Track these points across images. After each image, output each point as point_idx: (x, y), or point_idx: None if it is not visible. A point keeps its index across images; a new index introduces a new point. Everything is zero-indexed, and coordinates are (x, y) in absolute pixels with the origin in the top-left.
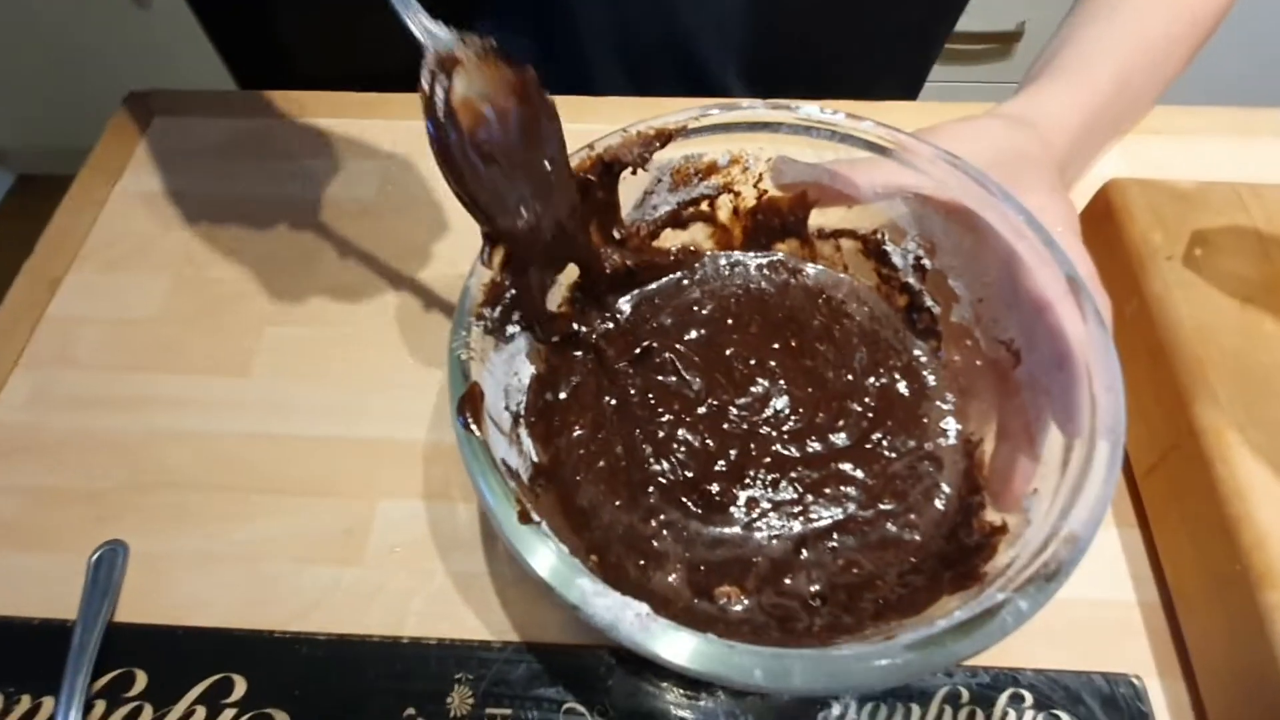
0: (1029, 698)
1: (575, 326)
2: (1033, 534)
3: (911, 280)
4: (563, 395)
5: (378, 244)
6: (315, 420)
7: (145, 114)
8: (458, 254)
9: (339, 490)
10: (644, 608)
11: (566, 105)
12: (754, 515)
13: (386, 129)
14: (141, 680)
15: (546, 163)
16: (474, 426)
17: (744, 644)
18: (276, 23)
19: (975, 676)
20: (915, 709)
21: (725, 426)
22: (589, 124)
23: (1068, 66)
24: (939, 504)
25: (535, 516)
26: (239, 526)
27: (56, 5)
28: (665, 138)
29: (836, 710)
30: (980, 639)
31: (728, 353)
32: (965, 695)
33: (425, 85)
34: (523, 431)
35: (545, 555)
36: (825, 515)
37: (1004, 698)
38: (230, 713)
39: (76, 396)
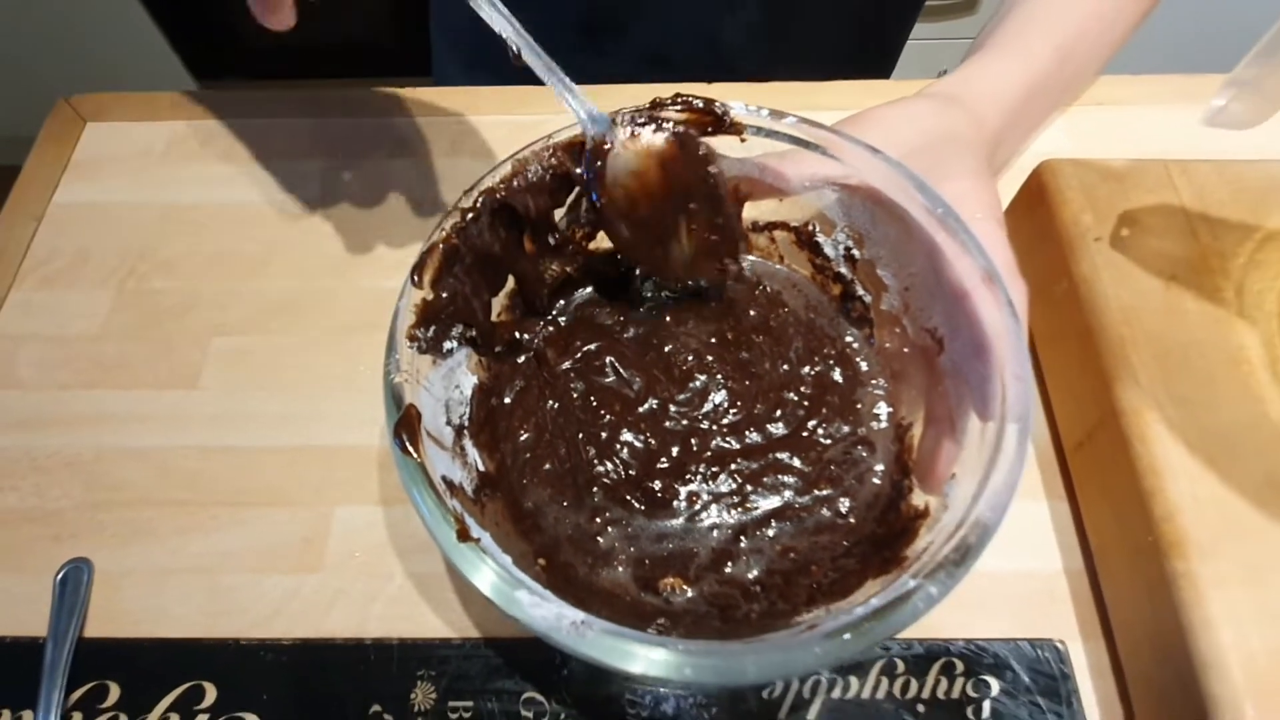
0: (960, 666)
1: (516, 334)
2: (949, 518)
3: (843, 270)
4: (506, 401)
5: (323, 247)
6: (268, 430)
7: (77, 121)
8: (405, 258)
9: (295, 499)
10: (580, 615)
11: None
12: (695, 508)
13: (327, 127)
14: (115, 692)
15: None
16: (411, 449)
17: (673, 642)
18: (229, 16)
19: (909, 649)
20: (854, 680)
21: (666, 424)
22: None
23: (1006, 39)
24: (872, 486)
25: (475, 533)
26: (198, 539)
27: None
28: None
29: (780, 687)
30: (894, 624)
31: (666, 349)
32: (900, 666)
33: (584, 167)
34: (467, 443)
35: (485, 572)
36: (763, 504)
37: (936, 667)
38: (203, 718)
39: (24, 418)
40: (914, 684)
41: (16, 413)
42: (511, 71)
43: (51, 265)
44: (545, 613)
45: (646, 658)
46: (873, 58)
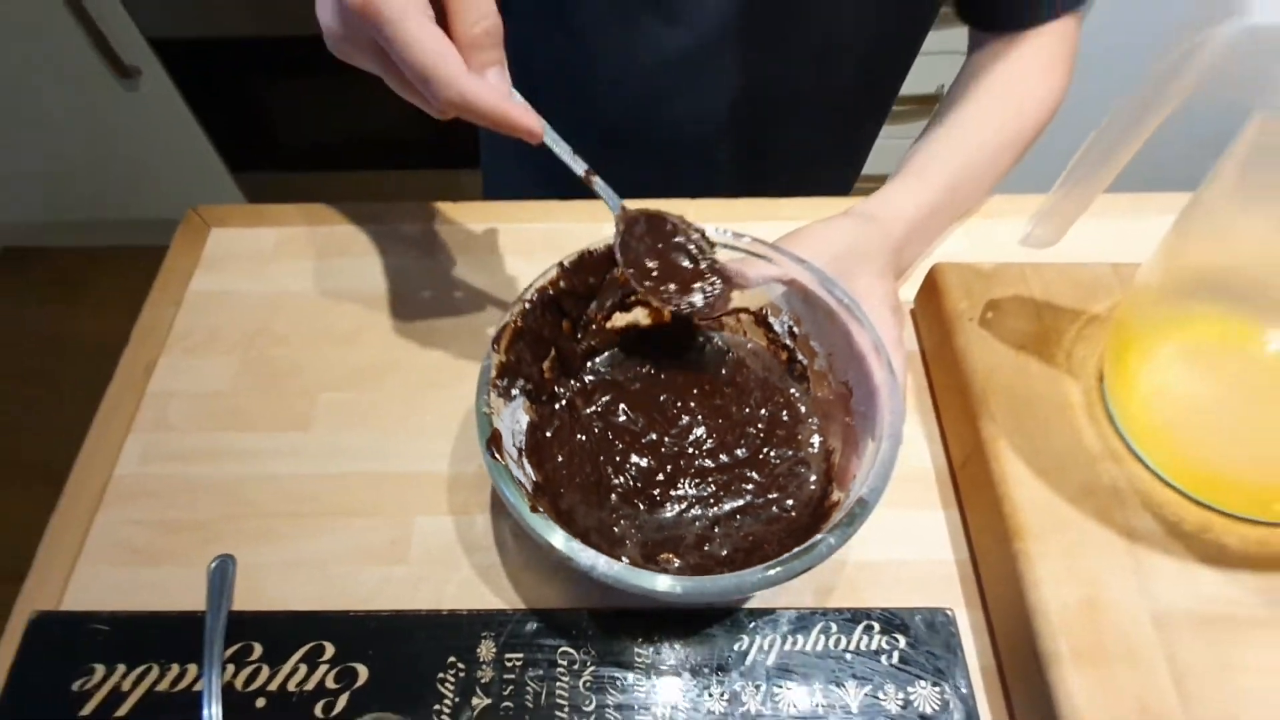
0: (877, 626)
1: (556, 388)
2: (847, 502)
3: (788, 342)
4: (549, 434)
5: (399, 326)
6: (362, 461)
7: (204, 227)
8: (463, 333)
9: (385, 511)
10: (610, 558)
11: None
12: (683, 508)
13: (395, 231)
14: (258, 650)
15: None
16: (498, 456)
17: (667, 574)
18: (259, 97)
19: (841, 614)
20: (800, 638)
21: (661, 450)
22: (562, 223)
23: (910, 171)
24: (808, 490)
25: (540, 509)
26: (312, 541)
27: (40, 80)
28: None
29: (747, 641)
30: (809, 560)
31: (661, 398)
32: (834, 628)
33: (616, 236)
34: (525, 461)
35: (549, 530)
36: (731, 504)
37: (859, 628)
38: (324, 668)
39: (177, 453)
40: (844, 639)
41: (171, 449)
42: (553, 170)
43: (190, 339)
44: (590, 556)
45: (652, 582)
46: (844, 157)
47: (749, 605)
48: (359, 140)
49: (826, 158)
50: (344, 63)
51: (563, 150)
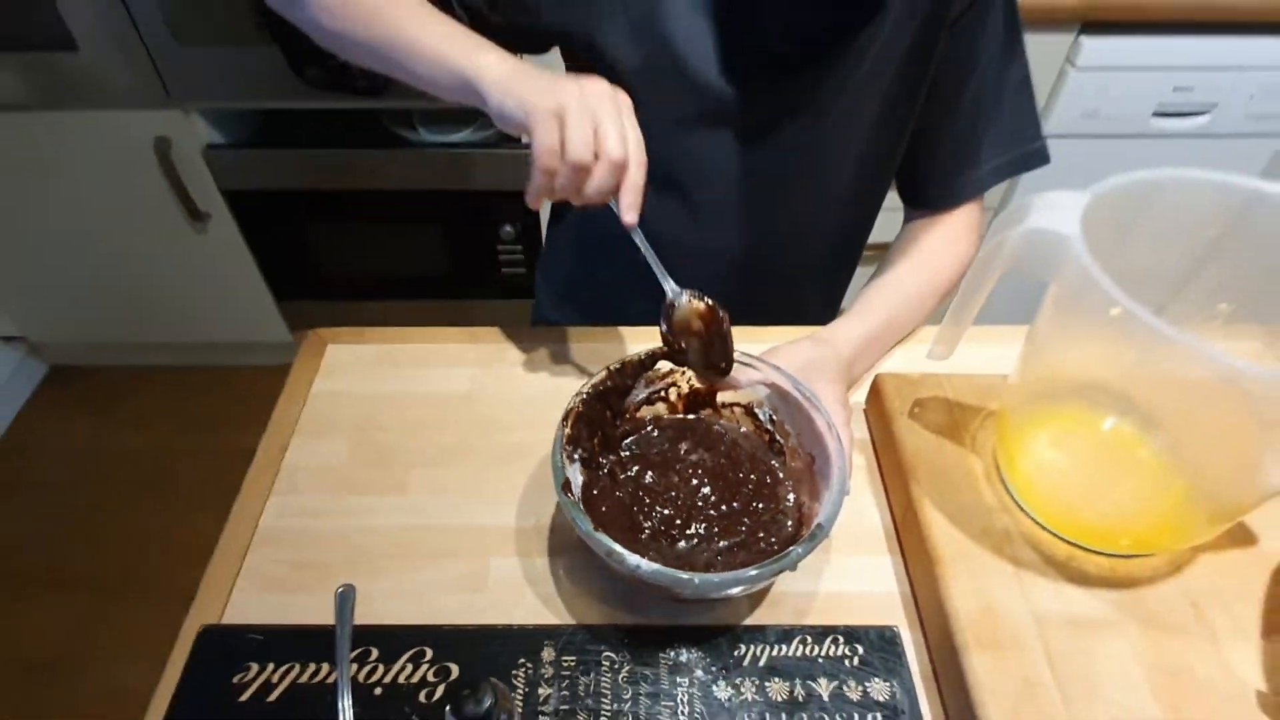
0: (841, 639)
1: (600, 459)
2: (808, 530)
3: (769, 426)
4: (595, 492)
5: (472, 421)
6: (447, 518)
7: (321, 343)
8: (520, 424)
9: (466, 554)
10: (648, 560)
11: (597, 331)
12: (694, 543)
13: (465, 349)
14: (375, 653)
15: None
16: (569, 495)
17: (685, 572)
18: (307, 237)
19: (814, 630)
20: (784, 647)
21: (678, 504)
22: (594, 344)
23: (858, 309)
24: (786, 531)
25: (599, 529)
26: (412, 575)
27: (117, 217)
28: (649, 361)
29: (744, 649)
30: (785, 564)
31: (678, 467)
32: (809, 639)
33: (663, 319)
34: (581, 508)
35: (603, 541)
36: (729, 541)
37: (828, 639)
38: (425, 666)
39: (305, 511)
40: (816, 648)
41: (302, 508)
42: (590, 307)
43: (314, 425)
44: (635, 557)
45: (676, 576)
46: (827, 305)
47: (745, 622)
48: (386, 275)
49: (815, 311)
50: (378, 210)
51: (646, 249)
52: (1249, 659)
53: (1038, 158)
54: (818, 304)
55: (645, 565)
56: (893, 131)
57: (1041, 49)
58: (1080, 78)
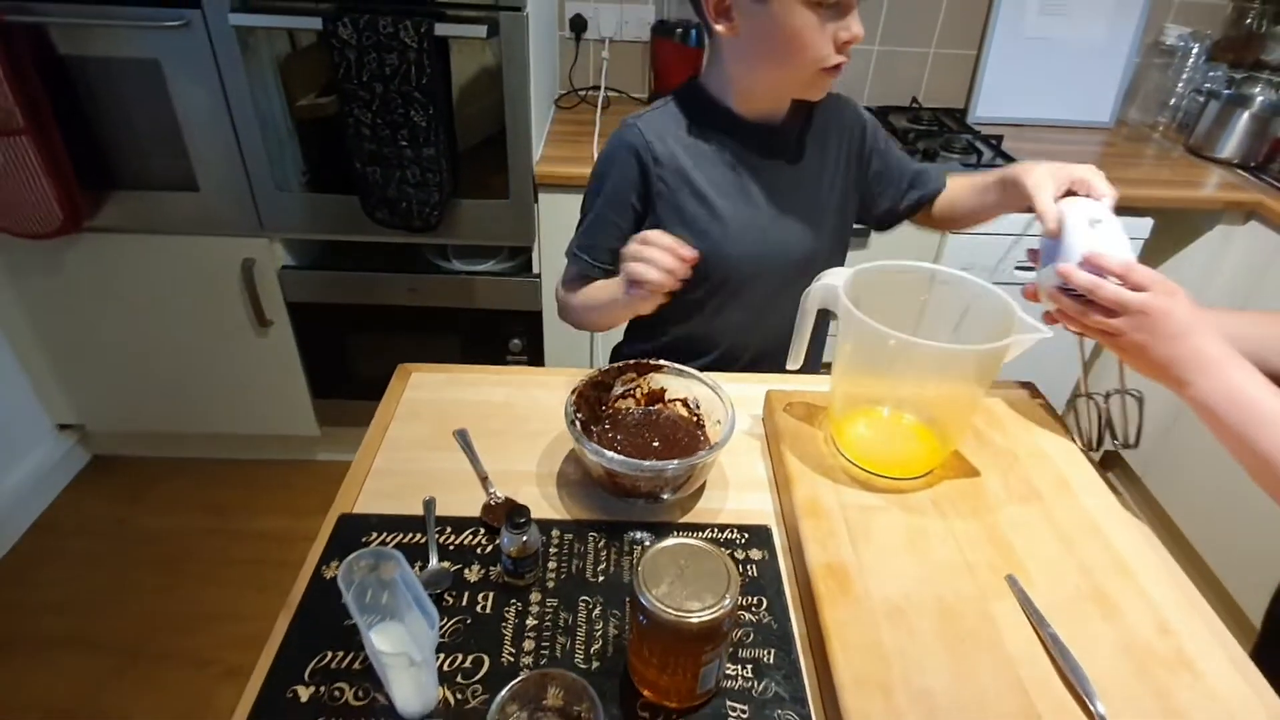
0: (735, 529)
1: (591, 428)
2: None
3: (696, 411)
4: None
5: (508, 416)
6: (494, 465)
7: (405, 373)
8: (536, 418)
9: (502, 484)
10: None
11: (585, 370)
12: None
13: (502, 376)
14: (449, 529)
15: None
16: (575, 423)
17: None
18: (349, 342)
19: (719, 525)
20: (701, 532)
21: (638, 449)
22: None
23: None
24: (697, 443)
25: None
26: (470, 493)
27: (194, 321)
28: (623, 369)
29: (677, 534)
30: (697, 459)
31: (638, 430)
32: (717, 529)
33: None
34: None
35: (594, 445)
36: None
37: (728, 529)
38: (481, 537)
39: (402, 459)
40: (721, 534)
41: (399, 459)
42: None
43: (406, 415)
44: (609, 452)
45: (634, 462)
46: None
47: (679, 521)
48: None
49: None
50: (411, 322)
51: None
52: (964, 527)
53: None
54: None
55: (613, 455)
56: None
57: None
58: (955, 240)
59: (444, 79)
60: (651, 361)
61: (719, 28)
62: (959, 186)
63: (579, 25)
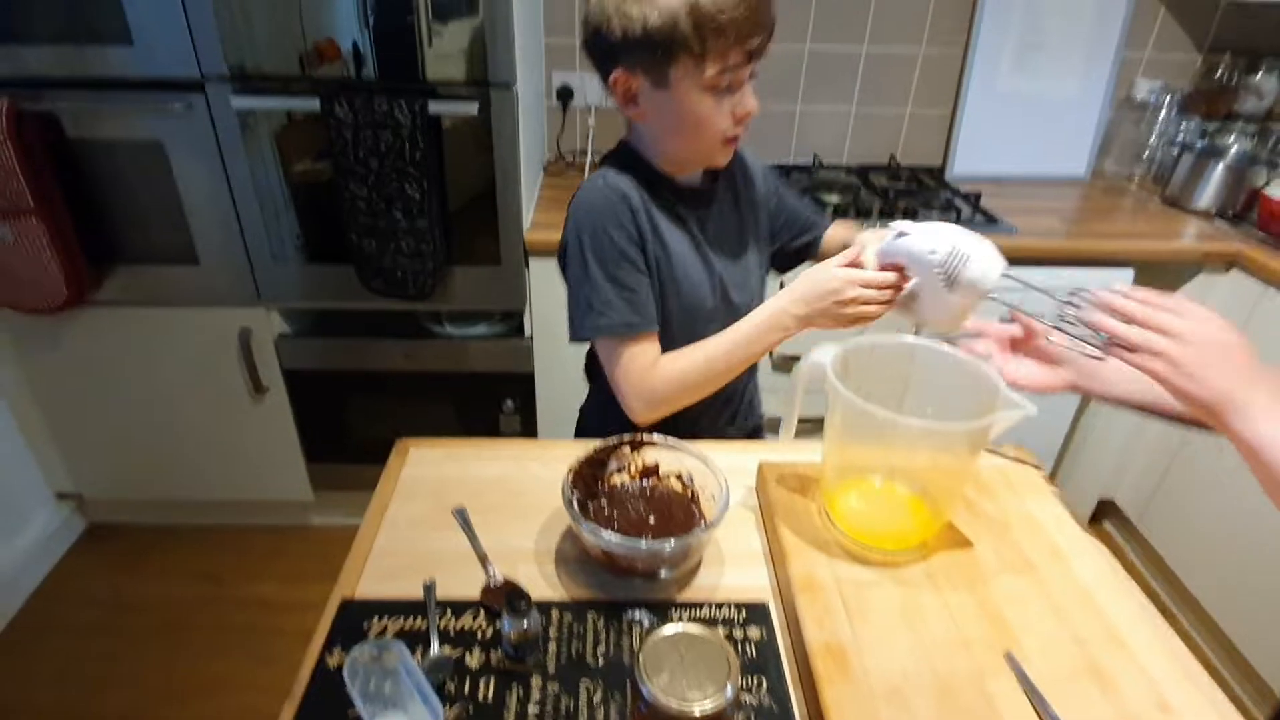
0: (733, 606)
1: (588, 505)
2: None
3: (690, 486)
4: (589, 516)
5: (505, 491)
6: (492, 541)
7: (405, 448)
8: (532, 492)
9: (501, 562)
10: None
11: (575, 443)
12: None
13: (497, 451)
14: (448, 611)
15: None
16: (572, 505)
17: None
18: (344, 406)
19: (716, 603)
20: (698, 609)
21: (634, 525)
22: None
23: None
24: (694, 520)
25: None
26: (470, 574)
27: (189, 389)
28: (615, 446)
29: (675, 611)
30: (697, 535)
31: (633, 506)
32: (715, 606)
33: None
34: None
35: (591, 525)
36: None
37: (725, 606)
38: (481, 619)
39: (401, 539)
40: (718, 611)
41: (398, 538)
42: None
43: (405, 493)
44: (607, 531)
45: (632, 541)
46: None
47: (676, 598)
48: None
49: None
50: (405, 386)
51: None
52: (959, 601)
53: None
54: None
55: (612, 535)
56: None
57: None
58: None
59: (437, 153)
60: (644, 437)
61: (629, 113)
62: (835, 228)
63: (566, 94)
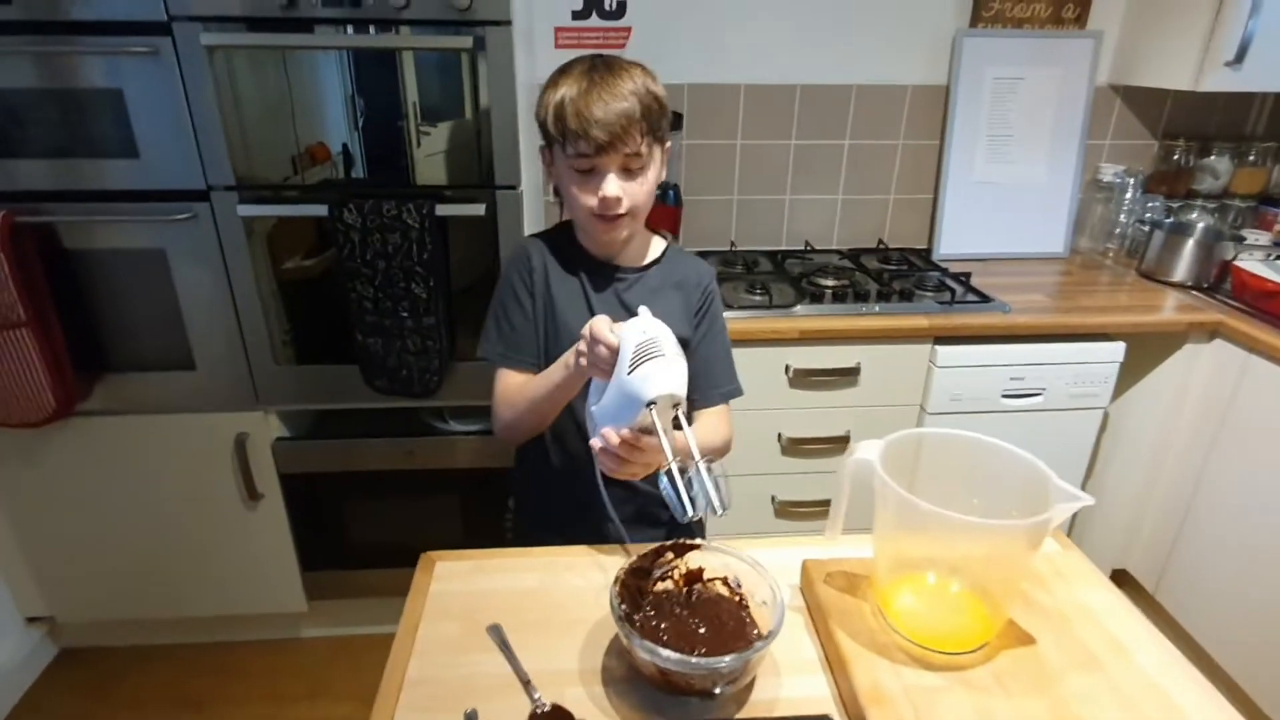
0: None
1: (634, 617)
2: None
3: (737, 590)
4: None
5: (541, 605)
6: (534, 664)
7: (430, 562)
8: (572, 606)
9: (547, 687)
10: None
11: (608, 548)
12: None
13: (530, 562)
14: None
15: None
16: (625, 623)
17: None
18: (344, 516)
19: (776, 718)
20: None
21: (683, 636)
22: (609, 556)
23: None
24: (750, 638)
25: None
26: (515, 702)
27: (179, 499)
28: (660, 552)
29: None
30: (753, 651)
31: (683, 616)
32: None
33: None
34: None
35: (645, 643)
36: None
37: None
38: None
39: (436, 665)
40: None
41: (434, 664)
42: (561, 530)
43: (435, 612)
44: (664, 650)
45: (686, 659)
46: None
47: (735, 717)
48: (404, 544)
49: None
50: (407, 486)
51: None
52: (1032, 707)
53: (737, 392)
54: None
55: (668, 653)
56: None
57: (909, 355)
58: (941, 373)
59: (443, 251)
60: (687, 541)
61: (552, 180)
62: (711, 414)
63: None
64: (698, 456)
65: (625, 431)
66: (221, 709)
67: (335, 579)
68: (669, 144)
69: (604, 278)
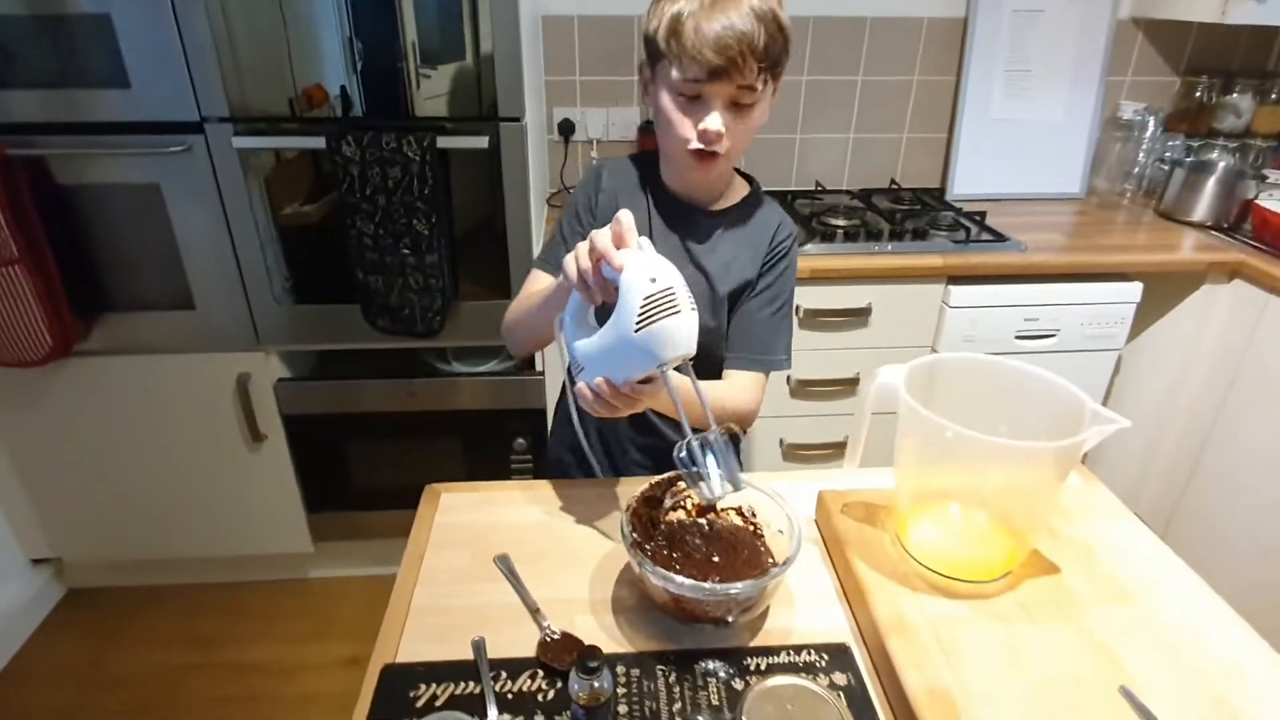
0: (813, 651)
1: (645, 545)
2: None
3: (753, 519)
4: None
5: (548, 536)
6: (542, 592)
7: (436, 493)
8: (576, 538)
9: (555, 616)
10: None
11: (613, 481)
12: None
13: (534, 494)
14: (504, 675)
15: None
16: (635, 551)
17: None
18: (348, 458)
19: (793, 648)
20: (774, 657)
21: (696, 558)
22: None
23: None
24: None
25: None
26: (522, 629)
27: (183, 439)
28: (672, 481)
29: (750, 660)
30: (772, 576)
31: (697, 541)
32: (791, 652)
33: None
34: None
35: (657, 569)
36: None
37: (804, 651)
38: (540, 680)
39: (442, 594)
40: (796, 657)
41: (440, 593)
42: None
43: (441, 542)
44: (677, 576)
45: (700, 585)
46: None
47: (750, 644)
48: (409, 486)
49: None
50: (411, 428)
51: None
52: (1061, 635)
53: (776, 365)
54: None
55: (683, 580)
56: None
57: (921, 295)
58: (954, 314)
59: (445, 187)
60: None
61: (647, 101)
62: (740, 375)
63: (567, 129)
64: (712, 422)
65: (624, 386)
66: (229, 648)
67: (340, 520)
68: (780, 84)
69: (677, 215)
